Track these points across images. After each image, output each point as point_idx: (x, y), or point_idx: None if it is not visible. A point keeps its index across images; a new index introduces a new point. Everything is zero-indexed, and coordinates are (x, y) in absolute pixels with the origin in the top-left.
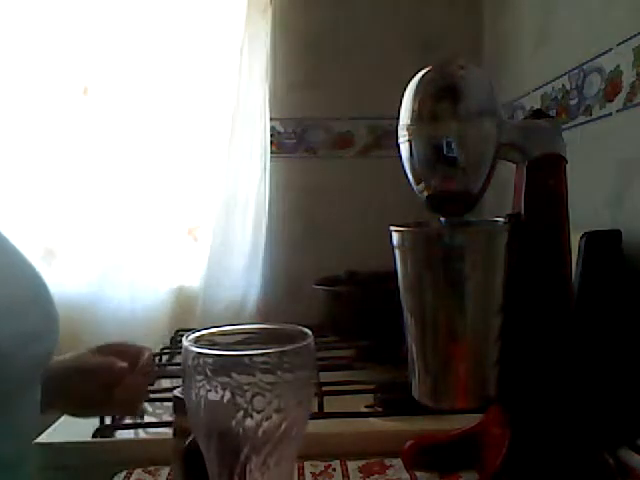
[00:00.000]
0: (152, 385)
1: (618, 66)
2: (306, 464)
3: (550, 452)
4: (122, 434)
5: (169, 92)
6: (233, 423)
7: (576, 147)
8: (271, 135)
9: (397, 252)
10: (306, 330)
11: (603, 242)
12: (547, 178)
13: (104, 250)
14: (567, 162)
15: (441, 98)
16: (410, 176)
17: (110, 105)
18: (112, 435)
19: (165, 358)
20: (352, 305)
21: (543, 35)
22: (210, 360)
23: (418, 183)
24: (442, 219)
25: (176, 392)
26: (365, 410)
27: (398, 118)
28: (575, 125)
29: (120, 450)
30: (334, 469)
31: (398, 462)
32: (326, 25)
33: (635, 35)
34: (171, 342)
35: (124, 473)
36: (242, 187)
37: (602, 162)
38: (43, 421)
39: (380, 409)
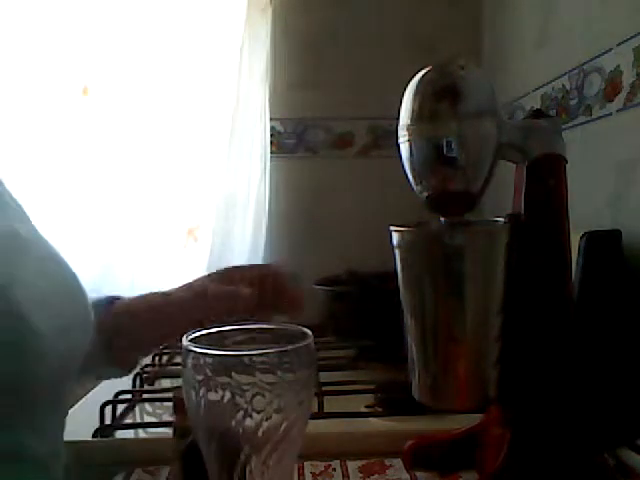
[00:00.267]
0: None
1: (618, 66)
2: (306, 464)
3: (550, 452)
4: (122, 434)
5: (169, 92)
6: (233, 423)
7: (576, 147)
8: (271, 135)
9: (397, 252)
10: (306, 330)
11: (603, 242)
12: (547, 178)
13: (104, 250)
14: (567, 162)
15: (441, 98)
16: (410, 176)
17: (110, 105)
18: (112, 435)
19: (165, 358)
20: (352, 305)
21: (543, 35)
22: (210, 360)
23: (418, 183)
24: (442, 219)
25: (176, 392)
26: (365, 410)
27: (398, 118)
28: (575, 125)
29: (120, 450)
30: (334, 469)
31: (398, 462)
32: (326, 25)
33: (635, 35)
34: None
35: (124, 473)
36: (242, 187)
37: (602, 162)
38: None
39: (380, 409)
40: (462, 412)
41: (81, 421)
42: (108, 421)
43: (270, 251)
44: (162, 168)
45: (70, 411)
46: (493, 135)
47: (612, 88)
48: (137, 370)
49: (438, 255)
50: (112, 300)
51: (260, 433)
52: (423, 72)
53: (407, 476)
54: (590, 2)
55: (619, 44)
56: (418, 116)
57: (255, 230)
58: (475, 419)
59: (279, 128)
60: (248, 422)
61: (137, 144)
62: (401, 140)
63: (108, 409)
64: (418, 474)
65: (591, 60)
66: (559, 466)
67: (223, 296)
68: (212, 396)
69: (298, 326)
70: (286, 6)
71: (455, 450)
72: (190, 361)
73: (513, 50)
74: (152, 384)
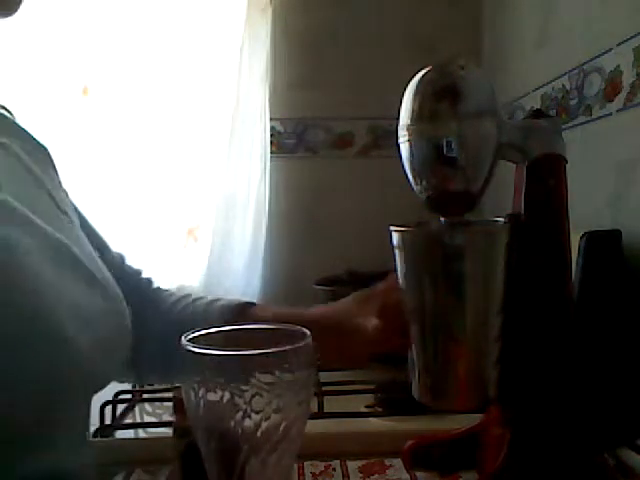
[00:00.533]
0: None
1: (618, 66)
2: (306, 464)
3: (550, 452)
4: (122, 434)
5: (169, 92)
6: (232, 423)
7: (576, 147)
8: (271, 135)
9: (397, 252)
10: (305, 330)
11: (603, 242)
12: (547, 178)
13: None
14: (567, 162)
15: (441, 98)
16: (410, 176)
17: (110, 105)
18: (112, 435)
19: None
20: None
21: (543, 35)
22: (209, 360)
23: (418, 183)
24: (442, 219)
25: (176, 392)
26: (365, 410)
27: (398, 118)
28: (575, 125)
29: (120, 450)
30: (334, 469)
31: (398, 462)
32: (326, 25)
33: (635, 35)
34: None
35: (124, 473)
36: (242, 187)
37: (602, 162)
38: None
39: (380, 409)
40: (462, 412)
41: None
42: (108, 421)
43: (270, 251)
44: (162, 168)
45: None
46: (493, 135)
47: (612, 88)
48: None
49: (438, 255)
50: (244, 305)
51: (259, 433)
52: (423, 72)
53: (407, 476)
54: (590, 2)
55: (619, 44)
56: (418, 116)
57: (255, 230)
58: (475, 419)
59: (279, 128)
60: (247, 422)
61: (137, 144)
62: (401, 140)
63: (108, 409)
64: (418, 474)
65: (591, 60)
66: (559, 466)
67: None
68: (211, 396)
69: (298, 326)
70: (286, 6)
71: (455, 450)
72: (189, 361)
73: (513, 50)
74: (152, 384)
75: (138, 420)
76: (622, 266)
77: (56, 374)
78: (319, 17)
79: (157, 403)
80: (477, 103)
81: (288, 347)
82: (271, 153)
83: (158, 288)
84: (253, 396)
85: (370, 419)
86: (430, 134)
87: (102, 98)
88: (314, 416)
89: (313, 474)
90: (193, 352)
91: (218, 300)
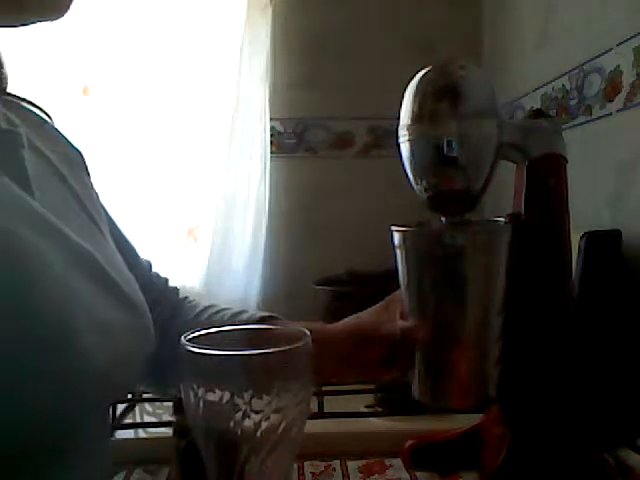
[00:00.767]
0: None
1: (618, 66)
2: (306, 464)
3: (550, 452)
4: (122, 434)
5: (169, 92)
6: (232, 424)
7: (576, 147)
8: (271, 135)
9: (398, 252)
10: (305, 330)
11: (603, 242)
12: (547, 178)
13: None
14: (567, 162)
15: (441, 98)
16: (410, 176)
17: (110, 105)
18: (112, 435)
19: None
20: (352, 305)
21: (543, 35)
22: (209, 360)
23: (418, 183)
24: (443, 219)
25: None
26: (365, 410)
27: (398, 118)
28: (575, 125)
29: (120, 450)
30: (334, 469)
31: (398, 462)
32: (326, 25)
33: (635, 35)
34: None
35: (124, 473)
36: (242, 187)
37: (602, 162)
38: None
39: (380, 409)
40: (462, 412)
41: None
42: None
43: (270, 251)
44: (162, 168)
45: None
46: (494, 135)
47: (612, 88)
48: None
49: (439, 255)
50: (268, 318)
51: (259, 433)
52: (423, 72)
53: (407, 476)
54: (590, 2)
55: (619, 44)
56: (418, 116)
57: (255, 230)
58: (475, 419)
59: (279, 128)
60: (247, 422)
61: (137, 144)
62: (401, 140)
63: None
64: (418, 474)
65: (591, 60)
66: (559, 466)
67: None
68: (211, 396)
69: (298, 326)
70: (286, 6)
71: (455, 450)
72: (189, 361)
73: (513, 50)
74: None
75: (138, 420)
76: (622, 266)
77: (73, 389)
78: (319, 17)
79: (157, 403)
80: (477, 103)
81: (288, 347)
82: (271, 153)
83: (185, 297)
84: (253, 396)
85: (370, 419)
86: (430, 134)
87: (102, 98)
88: (314, 416)
89: (313, 474)
90: (193, 352)
91: (243, 312)
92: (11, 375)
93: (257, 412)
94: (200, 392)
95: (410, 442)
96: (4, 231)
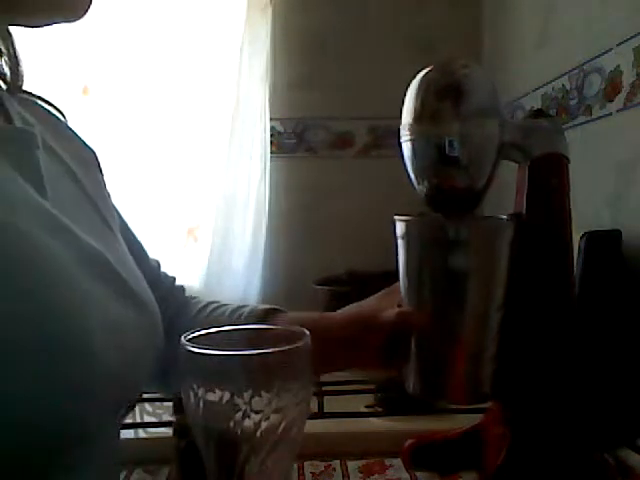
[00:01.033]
0: None
1: (618, 66)
2: (306, 464)
3: (550, 452)
4: (122, 434)
5: (169, 92)
6: (232, 424)
7: (576, 147)
8: (271, 135)
9: (400, 242)
10: (305, 330)
11: (603, 242)
12: (549, 177)
13: None
14: (569, 161)
15: (443, 97)
16: (412, 176)
17: (110, 105)
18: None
19: None
20: None
21: (543, 35)
22: (208, 360)
23: (420, 183)
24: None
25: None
26: (365, 410)
27: (399, 118)
28: (575, 125)
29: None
30: (334, 469)
31: (398, 462)
32: (326, 25)
33: (635, 35)
34: None
35: (124, 473)
36: (242, 187)
37: (602, 162)
38: None
39: (380, 409)
40: (462, 411)
41: None
42: None
43: (270, 251)
44: (162, 168)
45: None
46: (495, 135)
47: (612, 88)
48: None
49: (442, 246)
50: (270, 311)
51: (259, 433)
52: (425, 71)
53: (407, 476)
54: (590, 2)
55: (619, 44)
56: (420, 115)
57: (255, 230)
58: (475, 419)
59: (279, 128)
60: (247, 422)
61: (137, 144)
62: (403, 139)
63: None
64: (418, 474)
65: (591, 60)
66: (559, 466)
67: None
68: (210, 396)
69: (297, 326)
70: (286, 6)
71: (455, 450)
72: (188, 361)
73: (513, 50)
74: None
75: (138, 420)
76: (622, 266)
77: (85, 390)
78: (319, 17)
79: (157, 403)
80: (479, 102)
81: (288, 347)
82: (271, 153)
83: (190, 296)
84: (252, 396)
85: (370, 419)
86: (432, 133)
87: (102, 98)
88: (314, 416)
89: (313, 474)
90: (193, 352)
91: (245, 306)
92: (25, 376)
93: (257, 412)
94: (200, 392)
95: (410, 442)
96: (18, 232)
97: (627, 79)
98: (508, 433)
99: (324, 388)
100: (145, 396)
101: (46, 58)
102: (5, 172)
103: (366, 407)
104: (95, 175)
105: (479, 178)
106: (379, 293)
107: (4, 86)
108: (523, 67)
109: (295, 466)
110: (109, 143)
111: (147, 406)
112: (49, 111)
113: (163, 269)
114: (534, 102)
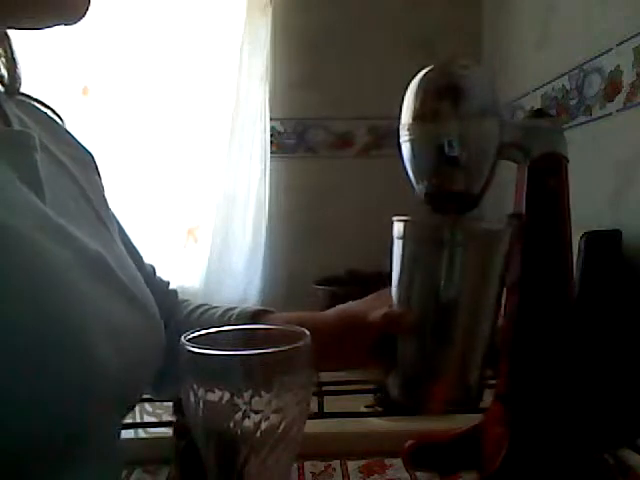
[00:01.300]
0: None
1: (618, 66)
2: (306, 464)
3: (550, 452)
4: (122, 434)
5: (169, 92)
6: (232, 424)
7: (576, 147)
8: (271, 135)
9: (396, 243)
10: (305, 330)
11: (603, 242)
12: (549, 177)
13: None
14: (569, 161)
15: (443, 97)
16: (411, 175)
17: (110, 105)
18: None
19: None
20: None
21: (543, 35)
22: (208, 360)
23: (419, 182)
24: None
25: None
26: (365, 410)
27: (399, 118)
28: (575, 125)
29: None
30: (334, 469)
31: (398, 462)
32: (326, 25)
33: (635, 35)
34: None
35: (124, 473)
36: (242, 187)
37: (602, 162)
38: None
39: (380, 409)
40: (460, 412)
41: None
42: None
43: (270, 251)
44: (162, 168)
45: None
46: (495, 134)
47: (612, 88)
48: None
49: (438, 248)
50: (260, 312)
51: (259, 433)
52: (425, 71)
53: (407, 476)
54: (590, 2)
55: (619, 44)
56: (420, 115)
57: (255, 230)
58: (475, 419)
59: (279, 128)
60: (246, 422)
61: (137, 144)
62: (402, 139)
63: None
64: (418, 474)
65: (591, 60)
66: (559, 466)
67: None
68: (210, 396)
69: (297, 326)
70: (286, 6)
71: (455, 450)
72: (188, 361)
73: (513, 50)
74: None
75: (138, 420)
76: (622, 266)
77: (89, 393)
78: (319, 17)
79: (157, 403)
80: (479, 102)
81: (287, 347)
82: (271, 153)
83: (181, 299)
84: (252, 396)
85: (370, 419)
86: (432, 133)
87: (102, 98)
88: (314, 416)
89: (313, 474)
90: (193, 352)
91: (234, 308)
92: (24, 377)
93: (257, 412)
94: (200, 392)
95: (410, 442)
96: (16, 234)
97: (627, 79)
98: (508, 433)
99: (324, 388)
100: (145, 396)
101: (46, 59)
102: (3, 174)
103: (366, 407)
104: (93, 178)
105: (478, 178)
106: (370, 295)
107: (2, 88)
108: (523, 67)
109: (295, 466)
110: (109, 143)
111: (147, 406)
112: (47, 114)
113: (159, 273)
114: (534, 102)
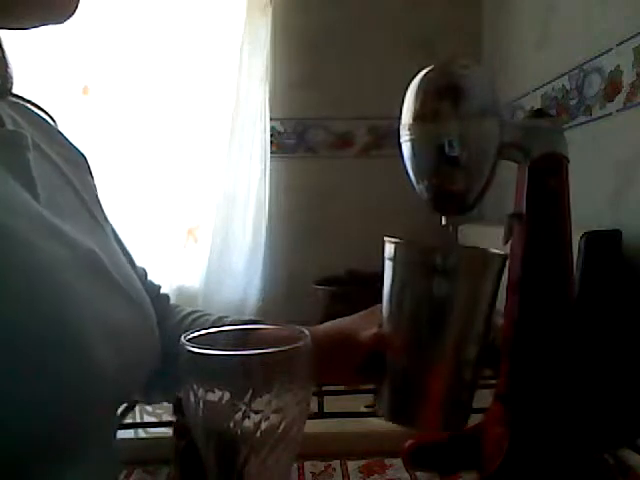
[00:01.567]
0: None
1: (618, 66)
2: (306, 464)
3: (550, 452)
4: (122, 434)
5: (169, 92)
6: (232, 424)
7: (576, 147)
8: (271, 135)
9: (387, 263)
10: (305, 330)
11: (603, 242)
12: (549, 177)
13: None
14: (569, 161)
15: (443, 97)
16: (412, 175)
17: (110, 105)
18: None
19: None
20: (352, 305)
21: (543, 35)
22: (208, 360)
23: (419, 182)
24: (442, 223)
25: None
26: (365, 410)
27: (399, 118)
28: (575, 125)
29: (120, 450)
30: (334, 469)
31: (398, 462)
32: (326, 25)
33: (635, 35)
34: None
35: (124, 473)
36: (242, 187)
37: (602, 162)
38: None
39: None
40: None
41: None
42: None
43: (270, 251)
44: (162, 168)
45: None
46: (495, 135)
47: (612, 88)
48: None
49: (427, 273)
50: (250, 323)
51: (259, 433)
52: (425, 71)
53: (407, 476)
54: (590, 2)
55: (619, 44)
56: (420, 115)
57: (255, 230)
58: (475, 419)
59: (279, 128)
60: (247, 422)
61: (137, 144)
62: (403, 139)
63: None
64: (418, 474)
65: (591, 60)
66: (559, 466)
67: None
68: (211, 396)
69: (297, 326)
70: (286, 6)
71: (455, 450)
72: (188, 361)
73: (513, 50)
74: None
75: (138, 420)
76: (622, 266)
77: (85, 393)
78: (319, 17)
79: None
80: (479, 102)
81: (287, 347)
82: (271, 153)
83: (173, 304)
84: (252, 396)
85: (370, 419)
86: (432, 133)
87: (102, 98)
88: (314, 416)
89: (313, 474)
90: (193, 352)
91: (226, 317)
92: (22, 377)
93: (257, 412)
94: (200, 392)
95: (410, 442)
96: (10, 233)
97: (627, 79)
98: (508, 433)
99: (324, 388)
100: None
101: (46, 58)
102: None
103: (366, 407)
104: (86, 178)
105: (479, 178)
106: (362, 312)
107: None
108: (523, 67)
109: (295, 466)
110: (109, 143)
111: (147, 406)
112: (40, 115)
113: (159, 273)
114: (534, 102)
